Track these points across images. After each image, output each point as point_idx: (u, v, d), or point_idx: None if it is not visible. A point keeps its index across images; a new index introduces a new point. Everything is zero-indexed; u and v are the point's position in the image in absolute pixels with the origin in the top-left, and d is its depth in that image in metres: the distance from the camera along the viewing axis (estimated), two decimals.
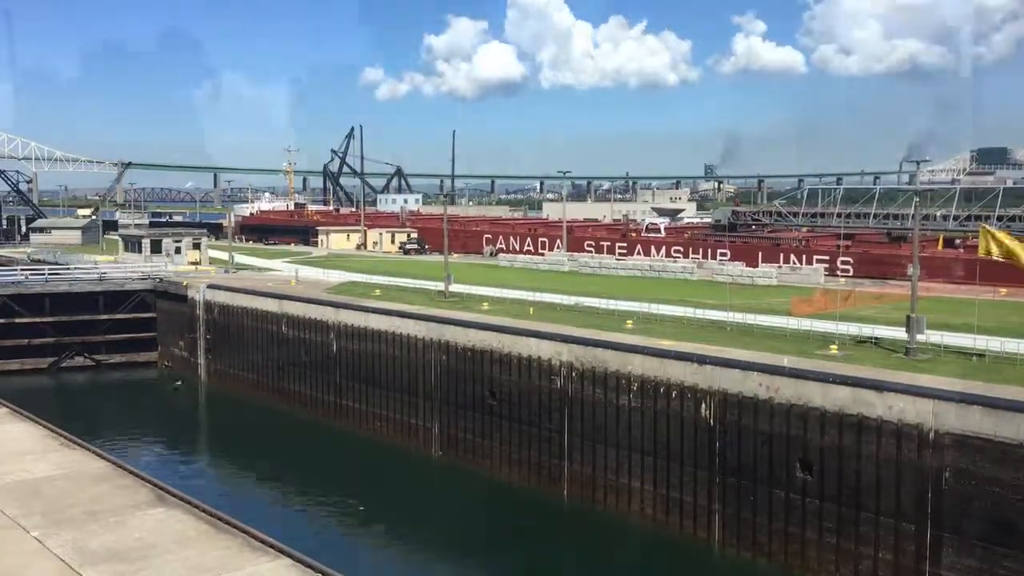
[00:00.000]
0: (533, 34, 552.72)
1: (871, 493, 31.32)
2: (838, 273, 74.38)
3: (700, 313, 48.64)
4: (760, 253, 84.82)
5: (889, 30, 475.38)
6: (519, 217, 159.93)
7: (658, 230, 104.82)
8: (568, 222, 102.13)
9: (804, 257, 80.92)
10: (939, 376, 32.70)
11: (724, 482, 35.65)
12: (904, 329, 37.94)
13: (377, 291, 62.10)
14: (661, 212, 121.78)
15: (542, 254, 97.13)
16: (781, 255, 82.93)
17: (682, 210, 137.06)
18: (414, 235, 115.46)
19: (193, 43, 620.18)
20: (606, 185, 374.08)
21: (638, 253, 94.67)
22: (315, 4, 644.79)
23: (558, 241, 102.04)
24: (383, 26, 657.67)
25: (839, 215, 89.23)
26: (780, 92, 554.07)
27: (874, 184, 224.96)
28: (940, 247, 76.54)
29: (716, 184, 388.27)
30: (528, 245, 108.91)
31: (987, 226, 40.47)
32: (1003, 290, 57.19)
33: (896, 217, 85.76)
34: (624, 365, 39.33)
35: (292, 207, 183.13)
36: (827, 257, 79.11)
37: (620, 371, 39.41)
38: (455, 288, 59.96)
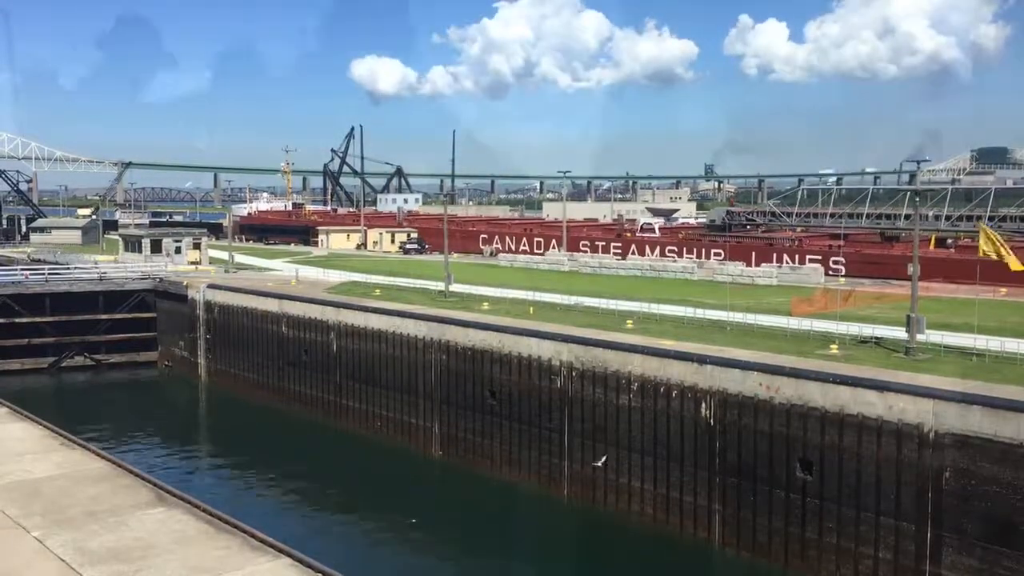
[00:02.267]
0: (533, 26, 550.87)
1: (871, 493, 31.32)
2: (830, 273, 74.53)
3: (700, 313, 48.63)
4: (754, 253, 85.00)
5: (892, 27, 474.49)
6: (516, 217, 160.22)
7: (653, 230, 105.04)
8: (567, 222, 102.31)
9: (797, 257, 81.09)
10: (939, 376, 32.68)
11: (724, 482, 35.65)
12: (904, 329, 37.97)
13: (377, 291, 62.10)
14: (656, 212, 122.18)
15: (539, 253, 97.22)
16: (774, 255, 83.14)
17: (677, 210, 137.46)
18: (414, 235, 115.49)
19: (194, 43, 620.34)
20: (606, 185, 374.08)
21: (633, 253, 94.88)
22: (316, 3, 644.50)
23: (554, 241, 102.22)
24: (383, 26, 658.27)
25: (832, 215, 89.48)
26: (784, 92, 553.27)
27: (874, 184, 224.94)
28: (932, 246, 76.71)
29: (716, 184, 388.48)
30: (524, 245, 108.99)
31: (985, 226, 40.50)
32: (1003, 290, 57.22)
33: (889, 217, 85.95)
34: (624, 365, 39.33)
35: (290, 207, 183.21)
36: (820, 257, 79.21)
37: (620, 371, 39.41)
38: (455, 288, 59.97)
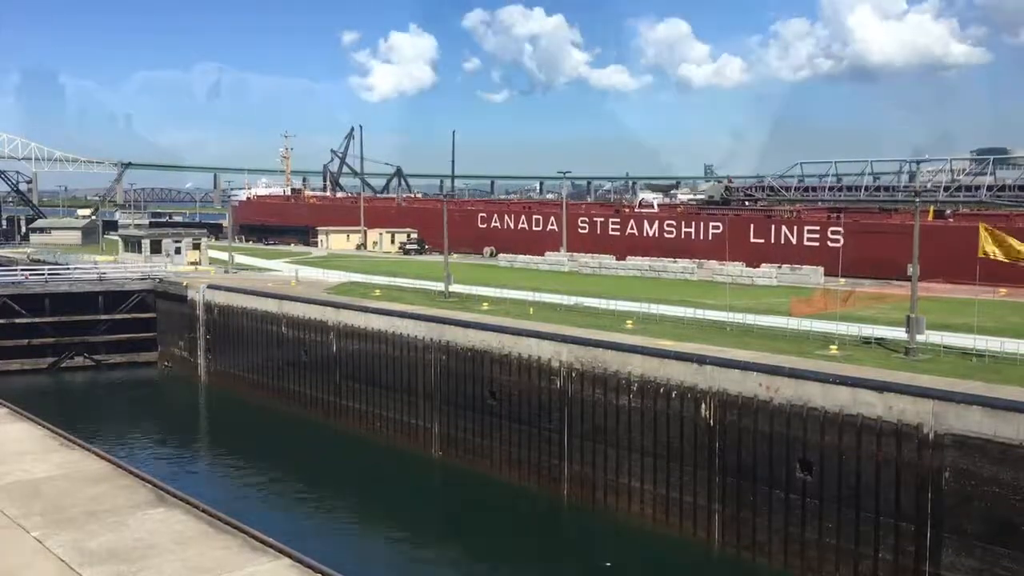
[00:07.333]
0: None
1: (871, 493, 31.33)
2: (829, 243, 74.52)
3: (700, 313, 48.66)
4: (752, 225, 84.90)
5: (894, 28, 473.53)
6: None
7: (651, 206, 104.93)
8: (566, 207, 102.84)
9: (796, 228, 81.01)
10: (939, 376, 32.71)
11: (724, 482, 35.65)
12: (904, 329, 37.98)
13: (377, 291, 62.12)
14: (654, 189, 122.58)
15: (536, 231, 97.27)
16: (773, 227, 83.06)
17: (675, 186, 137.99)
18: (414, 235, 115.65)
19: (194, 42, 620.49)
20: (607, 185, 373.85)
21: (632, 228, 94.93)
22: (316, 3, 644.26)
23: (552, 218, 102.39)
24: (384, 24, 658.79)
25: (830, 188, 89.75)
26: (786, 93, 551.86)
27: (873, 183, 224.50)
28: (931, 217, 76.84)
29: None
30: (523, 223, 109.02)
31: (985, 225, 40.35)
32: (1003, 290, 57.26)
33: (887, 189, 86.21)
34: (624, 365, 39.33)
35: (289, 192, 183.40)
36: (818, 228, 79.11)
37: (620, 371, 39.41)
38: (455, 288, 60.00)
